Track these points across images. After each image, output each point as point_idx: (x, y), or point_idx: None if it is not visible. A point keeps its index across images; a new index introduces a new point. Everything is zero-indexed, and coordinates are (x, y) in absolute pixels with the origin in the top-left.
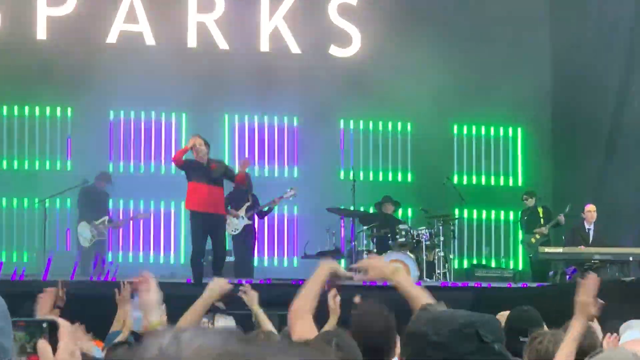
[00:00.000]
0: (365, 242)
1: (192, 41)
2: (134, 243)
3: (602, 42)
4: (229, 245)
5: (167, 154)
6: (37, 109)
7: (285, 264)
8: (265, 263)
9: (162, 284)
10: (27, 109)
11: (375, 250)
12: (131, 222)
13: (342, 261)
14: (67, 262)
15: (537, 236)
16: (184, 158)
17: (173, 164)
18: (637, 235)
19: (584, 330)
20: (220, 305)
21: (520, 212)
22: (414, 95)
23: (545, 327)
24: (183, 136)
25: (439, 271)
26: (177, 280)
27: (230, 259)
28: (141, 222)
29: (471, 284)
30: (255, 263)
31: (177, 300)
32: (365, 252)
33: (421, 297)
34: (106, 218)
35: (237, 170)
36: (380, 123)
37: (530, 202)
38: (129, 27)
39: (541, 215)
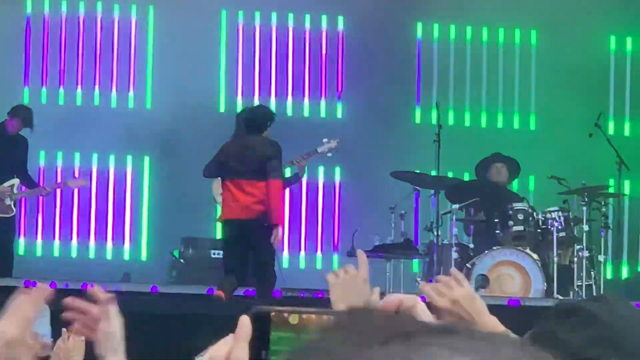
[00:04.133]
0: (455, 230)
1: None
2: (62, 227)
3: None
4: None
5: (122, 76)
6: None
7: (319, 264)
8: (285, 263)
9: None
10: None
11: (472, 244)
12: (58, 190)
13: (417, 263)
14: None
15: None
16: None
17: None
18: None
19: None
20: None
21: None
22: None
23: None
24: (149, 44)
25: (580, 283)
26: (137, 288)
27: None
28: (75, 191)
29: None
30: None
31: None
32: (454, 248)
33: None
34: (15, 182)
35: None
36: (485, 30)
37: None
38: None
39: None
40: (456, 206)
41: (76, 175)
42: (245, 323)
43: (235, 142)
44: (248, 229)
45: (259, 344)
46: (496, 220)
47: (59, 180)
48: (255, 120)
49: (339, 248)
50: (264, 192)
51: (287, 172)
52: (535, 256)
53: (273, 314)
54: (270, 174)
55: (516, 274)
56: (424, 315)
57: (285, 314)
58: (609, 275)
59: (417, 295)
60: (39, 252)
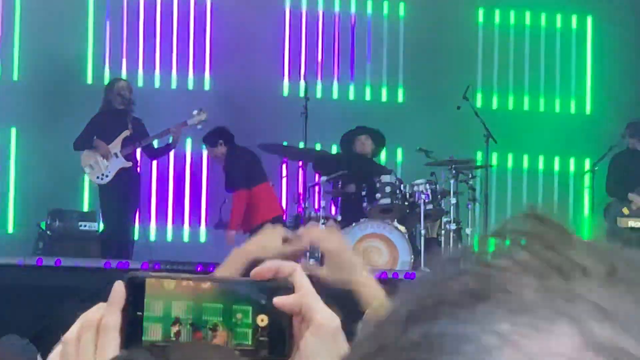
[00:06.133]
0: (323, 203)
1: None
2: None
3: None
4: (94, 202)
5: None
6: None
7: (186, 237)
8: (152, 235)
9: None
10: None
11: (339, 217)
12: None
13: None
14: None
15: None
16: None
17: None
18: None
19: None
20: None
21: (595, 162)
22: None
23: None
24: (15, 13)
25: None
26: (4, 261)
27: (93, 226)
28: None
29: None
30: (136, 235)
31: None
32: (322, 221)
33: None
34: None
35: None
36: (353, 1)
37: (633, 142)
38: None
39: None
40: (324, 178)
41: None
42: (118, 289)
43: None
44: None
45: (133, 309)
46: (363, 192)
47: None
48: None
49: (206, 220)
50: None
51: (156, 143)
52: (402, 229)
53: (148, 279)
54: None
55: (383, 247)
56: (303, 281)
57: (161, 280)
58: (477, 248)
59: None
60: None
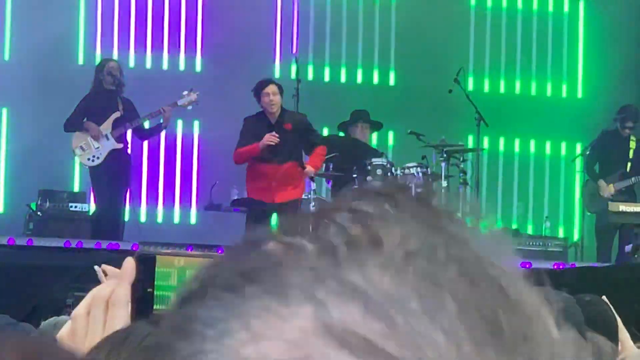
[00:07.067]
0: (313, 185)
1: None
2: None
3: None
4: (84, 183)
5: None
6: None
7: (177, 219)
8: (143, 217)
9: None
10: None
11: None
12: None
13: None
14: None
15: (613, 187)
16: None
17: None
18: None
19: None
20: None
21: (586, 146)
22: None
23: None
24: None
25: None
26: None
27: (83, 207)
28: None
29: None
30: (127, 216)
31: None
32: (312, 202)
33: None
34: None
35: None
36: None
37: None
38: None
39: (632, 150)
40: None
41: None
42: (128, 265)
43: None
44: None
45: (144, 283)
46: (354, 175)
47: None
48: None
49: (197, 202)
50: None
51: (146, 124)
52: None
53: (159, 256)
54: None
55: None
56: None
57: (171, 257)
58: None
59: None
60: None
